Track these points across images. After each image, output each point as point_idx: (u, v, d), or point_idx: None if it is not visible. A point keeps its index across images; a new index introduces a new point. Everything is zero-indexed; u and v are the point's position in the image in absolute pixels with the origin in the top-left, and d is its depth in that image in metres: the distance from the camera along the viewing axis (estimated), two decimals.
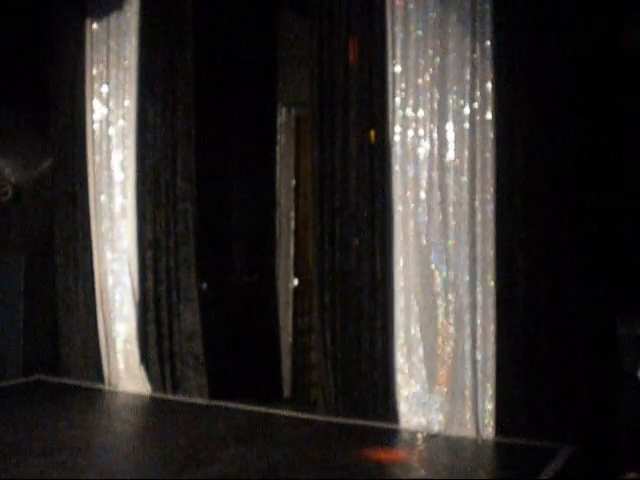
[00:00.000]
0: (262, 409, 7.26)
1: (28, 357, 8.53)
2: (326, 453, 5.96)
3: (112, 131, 8.09)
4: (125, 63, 7.99)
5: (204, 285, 7.72)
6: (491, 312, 6.29)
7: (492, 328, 6.29)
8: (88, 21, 8.21)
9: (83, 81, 8.24)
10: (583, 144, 6.03)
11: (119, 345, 8.05)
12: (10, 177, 8.15)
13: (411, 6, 6.69)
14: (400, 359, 6.68)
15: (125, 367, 8.02)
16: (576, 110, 6.04)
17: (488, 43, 6.35)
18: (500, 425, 6.24)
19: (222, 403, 7.41)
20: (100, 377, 8.18)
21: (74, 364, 8.41)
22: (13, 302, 8.52)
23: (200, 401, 7.49)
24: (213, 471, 5.43)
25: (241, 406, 7.31)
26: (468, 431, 6.34)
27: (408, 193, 6.69)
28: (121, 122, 8.05)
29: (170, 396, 7.71)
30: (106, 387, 8.11)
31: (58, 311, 8.55)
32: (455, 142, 6.51)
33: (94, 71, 8.20)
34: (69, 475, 5.29)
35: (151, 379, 7.85)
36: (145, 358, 7.89)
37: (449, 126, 6.54)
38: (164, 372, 7.78)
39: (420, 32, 6.65)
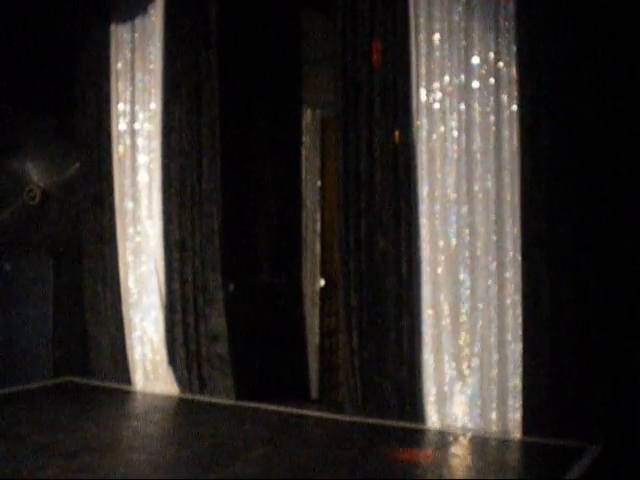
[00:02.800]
0: (289, 409, 7.26)
1: (58, 359, 8.62)
2: (352, 453, 5.95)
3: (138, 134, 8.15)
4: (150, 66, 8.05)
5: (231, 286, 7.75)
6: (518, 311, 6.26)
7: (518, 328, 6.25)
8: (113, 25, 8.28)
9: (109, 85, 8.31)
10: (609, 142, 5.97)
11: (147, 347, 8.11)
12: (38, 181, 8.21)
13: (435, 6, 6.68)
14: (426, 359, 6.66)
15: (153, 368, 8.07)
16: (602, 108, 5.99)
17: (513, 43, 6.31)
18: (526, 425, 6.20)
19: (249, 404, 7.43)
20: (128, 378, 8.24)
21: (102, 366, 8.48)
22: (43, 305, 8.61)
23: (227, 402, 7.51)
24: (239, 471, 5.44)
25: (268, 406, 7.32)
26: (494, 431, 6.32)
27: (434, 193, 6.68)
28: (147, 125, 8.10)
29: (197, 397, 7.74)
30: (134, 388, 8.17)
31: (87, 313, 8.62)
32: (482, 140, 6.48)
33: (119, 75, 8.26)
34: (97, 475, 5.32)
35: (178, 380, 7.90)
36: (172, 359, 7.94)
37: (474, 126, 6.51)
38: (191, 373, 7.82)
39: (444, 32, 6.63)
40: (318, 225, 8.71)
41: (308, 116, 8.70)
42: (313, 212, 8.69)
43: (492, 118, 6.43)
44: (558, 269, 6.09)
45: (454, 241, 6.60)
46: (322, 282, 8.64)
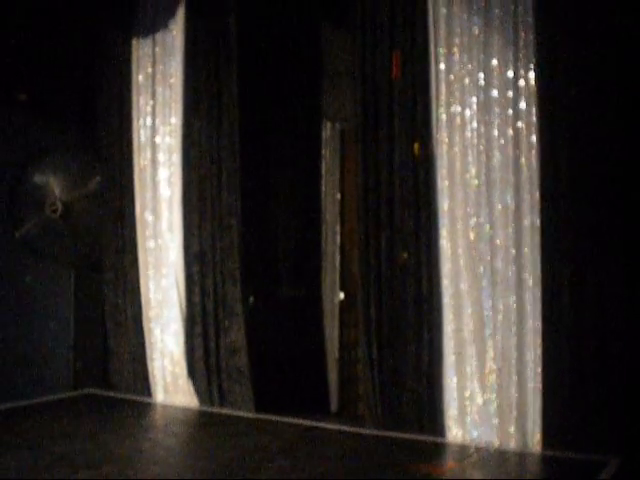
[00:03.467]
0: (308, 422, 7.26)
1: (78, 371, 8.67)
2: (372, 467, 5.95)
3: (159, 148, 8.20)
4: (171, 80, 8.10)
5: (250, 299, 7.76)
6: (538, 324, 6.24)
7: (539, 341, 6.23)
8: (135, 40, 8.34)
9: (130, 99, 8.36)
10: (630, 152, 5.95)
11: (167, 359, 8.13)
12: (59, 194, 8.27)
13: (454, 18, 6.69)
14: (447, 373, 6.65)
15: (172, 381, 8.09)
16: (621, 110, 5.97)
17: (532, 56, 6.31)
18: (547, 438, 6.17)
19: (268, 416, 7.43)
20: (148, 391, 8.26)
21: (122, 378, 8.51)
22: (63, 317, 8.67)
23: (246, 414, 7.52)
24: None
25: (287, 419, 7.32)
26: (515, 444, 6.30)
27: (454, 206, 6.68)
28: (167, 139, 8.14)
29: (217, 409, 7.75)
30: (154, 400, 8.19)
31: (107, 326, 8.65)
32: (501, 153, 6.47)
33: (140, 89, 8.31)
34: None
35: (198, 392, 7.91)
36: (192, 372, 7.95)
37: (494, 139, 6.51)
38: (211, 385, 7.83)
39: (464, 45, 6.64)
40: (337, 238, 8.71)
41: (328, 129, 8.71)
42: (333, 225, 8.68)
43: (510, 132, 6.43)
44: (579, 281, 6.07)
45: (474, 254, 6.59)
46: (342, 295, 8.64)
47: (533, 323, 6.27)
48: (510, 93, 6.43)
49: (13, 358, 8.05)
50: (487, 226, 6.53)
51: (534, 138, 6.30)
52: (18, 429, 6.93)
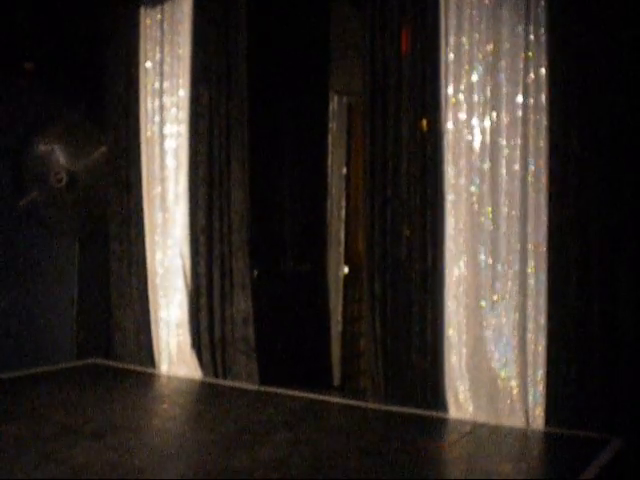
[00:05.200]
0: (311, 395, 7.28)
1: (82, 341, 8.71)
2: (374, 440, 5.98)
3: (166, 119, 8.17)
4: (179, 52, 8.05)
5: (255, 272, 7.77)
6: (542, 302, 6.23)
7: (543, 319, 6.23)
8: (142, 9, 8.29)
9: (137, 70, 8.33)
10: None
11: (171, 330, 8.15)
12: (65, 164, 8.25)
13: None
14: (449, 348, 6.66)
15: (177, 352, 8.12)
16: (633, 97, 5.94)
17: (542, 30, 6.25)
18: (549, 415, 6.18)
19: (271, 389, 7.45)
20: (152, 361, 8.29)
21: (127, 348, 8.53)
22: (67, 287, 8.68)
23: (250, 387, 7.55)
24: (261, 456, 5.46)
25: (290, 392, 7.34)
26: (517, 421, 6.31)
27: (460, 182, 6.65)
28: (174, 110, 8.11)
29: (220, 381, 7.79)
30: (158, 371, 8.22)
31: (111, 296, 8.66)
32: (508, 130, 6.44)
33: (148, 60, 8.28)
34: (119, 457, 5.37)
35: (202, 364, 7.94)
36: (196, 343, 7.97)
37: (502, 114, 6.47)
38: (215, 357, 7.86)
39: (473, 20, 6.60)
40: (343, 212, 8.70)
41: (335, 103, 8.68)
42: (338, 199, 8.68)
43: (520, 108, 6.40)
44: (586, 261, 6.04)
45: (478, 231, 6.58)
46: (346, 269, 8.65)
47: (538, 300, 6.26)
48: (521, 64, 6.37)
49: (16, 327, 8.09)
50: (491, 201, 6.50)
51: (543, 113, 6.25)
52: (21, 398, 6.97)
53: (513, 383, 6.36)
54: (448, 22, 6.68)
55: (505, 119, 6.46)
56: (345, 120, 8.74)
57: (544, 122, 6.25)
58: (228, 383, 7.72)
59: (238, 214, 7.67)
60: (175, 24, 8.07)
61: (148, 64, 8.27)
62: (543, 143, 6.26)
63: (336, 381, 8.63)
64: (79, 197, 8.47)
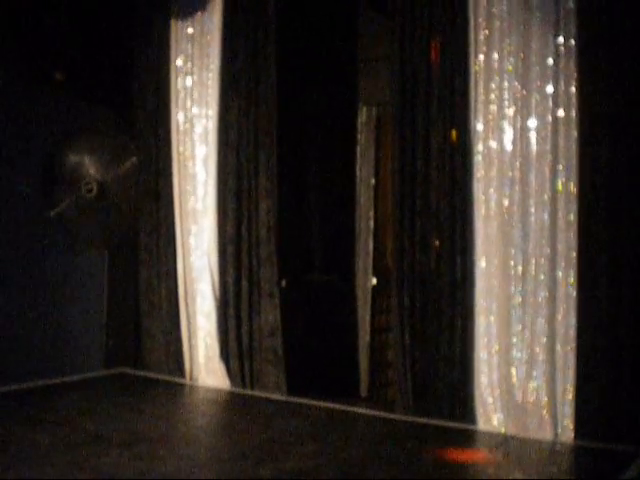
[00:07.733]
0: (338, 406, 7.26)
1: (111, 350, 8.74)
2: (401, 452, 5.94)
3: (195, 129, 8.20)
4: (208, 62, 8.10)
5: (283, 282, 7.78)
6: (572, 314, 6.19)
7: (572, 331, 6.19)
8: (173, 21, 8.34)
9: (167, 80, 8.36)
10: None
11: (200, 340, 8.16)
12: (95, 174, 8.30)
13: (494, 4, 6.63)
14: (479, 360, 6.62)
15: (205, 361, 8.13)
16: None
17: (572, 41, 6.24)
18: (578, 428, 6.13)
19: (299, 399, 7.44)
20: (181, 371, 8.30)
21: (156, 357, 8.54)
22: (96, 296, 8.73)
23: (277, 397, 7.54)
24: (288, 467, 5.44)
25: (317, 403, 7.33)
26: (546, 434, 6.26)
27: (490, 192, 6.63)
28: (204, 120, 8.14)
29: (248, 391, 7.78)
30: (186, 381, 8.23)
31: (141, 306, 8.68)
32: (538, 141, 6.42)
33: (178, 70, 8.32)
34: (151, 465, 5.39)
35: (230, 374, 7.94)
36: (225, 353, 7.98)
37: (532, 125, 6.45)
38: (243, 367, 7.86)
39: (503, 30, 6.59)
40: (371, 223, 8.71)
41: (364, 114, 8.70)
42: (367, 210, 8.68)
43: (549, 119, 6.37)
44: (616, 271, 6.01)
45: (508, 242, 6.54)
46: (374, 280, 8.64)
47: (568, 311, 6.21)
48: (550, 75, 6.34)
49: (46, 336, 8.13)
50: (521, 212, 6.47)
51: (573, 124, 6.22)
52: (51, 406, 7.00)
53: (542, 395, 6.32)
54: (477, 32, 6.67)
55: (535, 129, 6.44)
56: (373, 131, 8.75)
57: (574, 132, 6.23)
58: (256, 393, 7.71)
59: (266, 225, 7.68)
60: (205, 36, 8.12)
61: (178, 75, 8.31)
62: (573, 153, 6.23)
63: (363, 392, 8.62)
64: (109, 207, 8.50)
